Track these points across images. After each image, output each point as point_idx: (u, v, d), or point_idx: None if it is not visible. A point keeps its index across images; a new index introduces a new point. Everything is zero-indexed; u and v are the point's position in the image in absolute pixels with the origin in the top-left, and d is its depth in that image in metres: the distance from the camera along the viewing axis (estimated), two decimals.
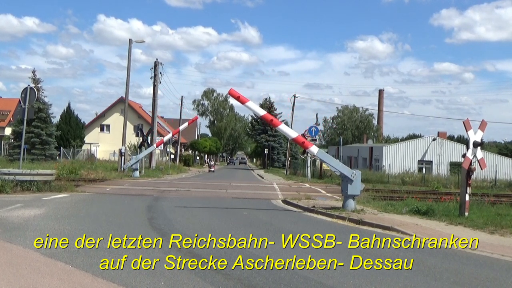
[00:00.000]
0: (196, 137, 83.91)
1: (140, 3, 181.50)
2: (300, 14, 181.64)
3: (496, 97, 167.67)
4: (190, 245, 7.54)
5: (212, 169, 50.00)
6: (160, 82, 37.23)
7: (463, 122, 12.24)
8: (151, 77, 37.21)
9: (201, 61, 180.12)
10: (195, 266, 6.11)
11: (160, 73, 37.24)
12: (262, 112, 13.90)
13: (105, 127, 57.97)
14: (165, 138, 38.40)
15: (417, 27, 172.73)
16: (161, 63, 37.39)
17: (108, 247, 7.13)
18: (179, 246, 7.40)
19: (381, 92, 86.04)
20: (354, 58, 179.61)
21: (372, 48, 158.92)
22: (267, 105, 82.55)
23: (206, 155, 74.53)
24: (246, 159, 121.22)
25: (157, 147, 35.90)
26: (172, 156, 53.79)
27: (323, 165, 44.10)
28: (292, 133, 14.05)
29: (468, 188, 11.97)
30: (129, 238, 7.97)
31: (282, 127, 13.63)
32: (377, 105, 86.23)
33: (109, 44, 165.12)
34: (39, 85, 37.44)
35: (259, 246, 7.64)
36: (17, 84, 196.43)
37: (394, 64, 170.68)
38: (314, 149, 13.47)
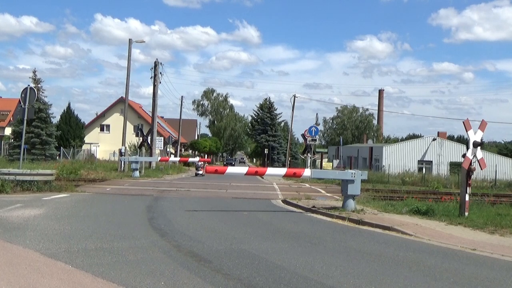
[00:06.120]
0: (196, 137, 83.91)
1: (138, 3, 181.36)
2: (299, 14, 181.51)
3: (496, 97, 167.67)
4: (190, 245, 7.54)
5: (201, 172, 34.86)
6: (160, 82, 37.19)
7: (463, 122, 12.24)
8: (151, 77, 37.16)
9: (200, 60, 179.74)
10: (195, 266, 6.12)
11: (160, 73, 37.17)
12: (244, 170, 14.41)
13: (105, 127, 57.95)
14: (171, 159, 38.50)
15: (416, 26, 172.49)
16: (161, 63, 37.38)
17: (108, 247, 7.13)
18: (179, 246, 7.40)
19: (381, 92, 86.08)
20: (353, 58, 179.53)
21: (371, 48, 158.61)
22: (267, 105, 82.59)
23: (206, 155, 74.46)
24: (245, 158, 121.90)
25: (160, 161, 35.93)
26: (172, 156, 53.77)
27: (323, 165, 44.15)
28: (281, 171, 15.19)
29: (468, 188, 11.97)
30: (129, 238, 7.98)
31: (269, 171, 14.71)
32: (376, 105, 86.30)
33: (107, 43, 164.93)
34: (39, 85, 37.44)
35: (259, 246, 7.64)
36: (16, 84, 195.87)
37: (393, 64, 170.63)
38: (307, 173, 13.67)
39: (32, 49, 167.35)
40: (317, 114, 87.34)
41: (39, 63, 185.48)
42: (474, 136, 12.07)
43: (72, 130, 47.86)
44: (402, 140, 74.80)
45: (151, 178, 28.11)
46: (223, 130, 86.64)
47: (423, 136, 58.61)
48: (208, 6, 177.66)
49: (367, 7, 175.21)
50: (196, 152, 72.96)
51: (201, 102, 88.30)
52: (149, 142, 36.43)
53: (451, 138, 69.90)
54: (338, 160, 46.95)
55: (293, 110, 49.04)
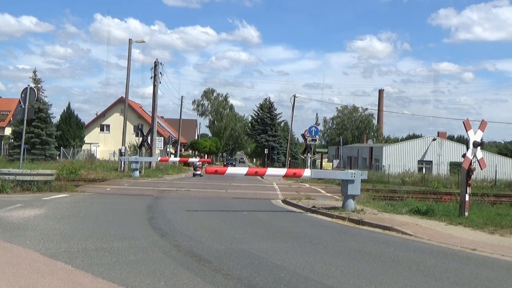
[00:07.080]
0: (196, 137, 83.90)
1: (138, 3, 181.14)
2: (299, 14, 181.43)
3: (496, 97, 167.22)
4: (190, 245, 7.54)
5: (199, 173, 34.48)
6: (160, 82, 37.18)
7: (463, 122, 12.24)
8: (151, 77, 37.14)
9: (199, 60, 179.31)
10: (195, 266, 6.12)
11: (160, 73, 37.14)
12: (244, 171, 13.99)
13: (105, 127, 57.95)
14: (171, 160, 38.65)
15: (416, 26, 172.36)
16: (161, 63, 37.37)
17: (108, 247, 7.13)
18: (179, 246, 7.40)
19: (381, 92, 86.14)
20: (353, 58, 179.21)
21: (371, 48, 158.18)
22: (267, 105, 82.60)
23: (206, 155, 74.48)
24: (245, 158, 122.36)
25: (160, 161, 36.04)
26: (172, 156, 53.76)
27: (323, 165, 44.14)
28: (281, 172, 15.29)
29: (468, 188, 11.97)
30: (129, 238, 7.98)
31: (269, 172, 14.93)
32: (376, 105, 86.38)
33: (107, 43, 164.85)
34: (39, 85, 37.47)
35: (259, 246, 7.64)
36: (16, 84, 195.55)
37: (393, 64, 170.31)
38: (307, 173, 13.69)
39: (32, 49, 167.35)
40: (317, 114, 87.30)
41: (39, 63, 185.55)
42: (474, 136, 12.07)
43: (72, 130, 47.86)
44: (402, 140, 74.78)
45: (151, 178, 28.11)
46: (223, 130, 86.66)
47: (423, 136, 58.72)
48: (208, 6, 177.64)
49: (367, 7, 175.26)
50: (196, 152, 72.99)
51: (201, 102, 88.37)
52: (149, 142, 36.42)
53: (451, 138, 69.89)
54: (338, 160, 46.97)
55: (293, 110, 49.04)
